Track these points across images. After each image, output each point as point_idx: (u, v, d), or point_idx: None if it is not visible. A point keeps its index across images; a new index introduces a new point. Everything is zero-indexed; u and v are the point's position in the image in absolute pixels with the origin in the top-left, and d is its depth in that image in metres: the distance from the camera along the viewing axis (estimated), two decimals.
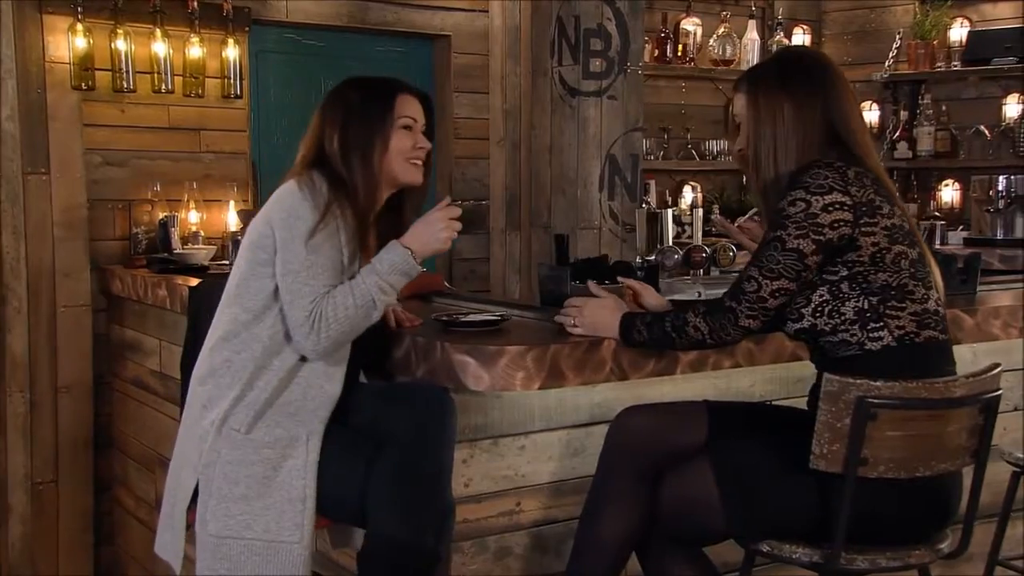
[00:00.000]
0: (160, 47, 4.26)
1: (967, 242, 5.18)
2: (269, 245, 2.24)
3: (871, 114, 6.04)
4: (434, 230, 2.26)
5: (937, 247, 5.56)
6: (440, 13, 5.03)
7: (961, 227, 5.60)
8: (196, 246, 4.30)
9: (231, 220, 4.48)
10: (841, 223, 1.94)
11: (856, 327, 1.95)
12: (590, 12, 4.55)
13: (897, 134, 5.84)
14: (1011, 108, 5.64)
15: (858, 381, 1.80)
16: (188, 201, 4.42)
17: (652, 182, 5.53)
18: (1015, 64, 5.52)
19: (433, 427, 2.17)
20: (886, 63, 5.85)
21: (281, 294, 2.22)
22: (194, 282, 3.48)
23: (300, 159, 2.37)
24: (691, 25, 5.61)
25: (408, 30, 4.98)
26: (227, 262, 4.20)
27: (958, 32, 5.77)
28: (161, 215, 4.27)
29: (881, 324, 1.95)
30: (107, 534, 4.38)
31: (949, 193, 5.82)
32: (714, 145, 5.70)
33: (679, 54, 5.56)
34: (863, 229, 1.94)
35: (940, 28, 5.78)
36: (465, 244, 5.01)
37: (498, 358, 2.12)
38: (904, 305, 1.96)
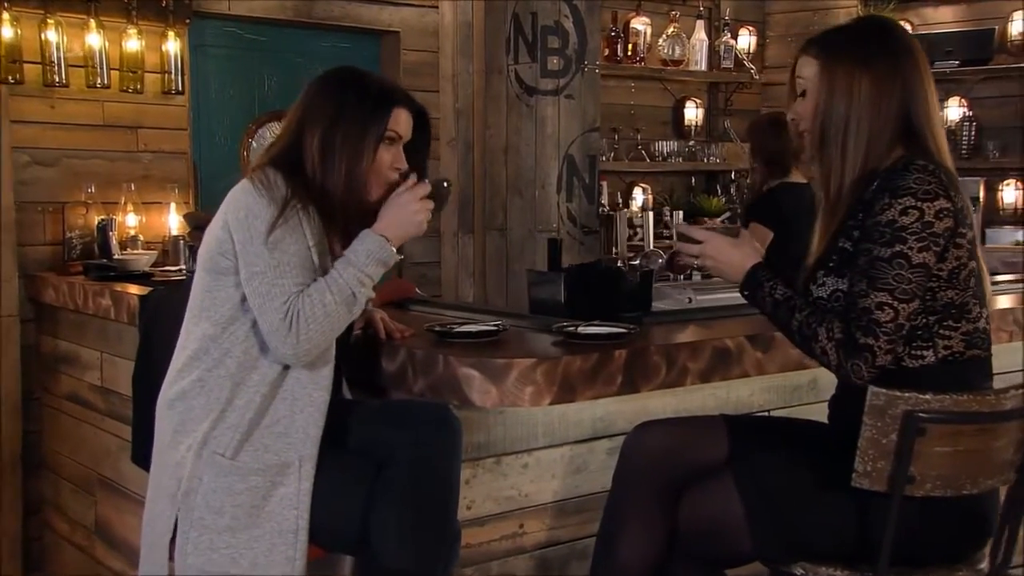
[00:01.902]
0: (95, 39, 3.99)
1: None
2: (229, 251, 2.06)
3: None
4: (407, 212, 2.09)
5: None
6: (388, 8, 4.86)
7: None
8: (135, 251, 4.05)
9: (172, 223, 4.24)
10: (948, 232, 1.82)
11: (900, 344, 1.85)
12: (547, 9, 4.43)
13: None
14: (952, 111, 5.70)
15: (906, 394, 1.71)
16: (125, 203, 4.16)
17: (604, 184, 5.44)
18: (956, 68, 5.58)
19: (439, 448, 2.02)
20: None
21: (250, 300, 2.03)
22: (141, 290, 3.25)
23: (265, 152, 2.18)
24: (641, 24, 5.54)
25: (355, 25, 4.80)
26: (170, 268, 3.97)
27: None
28: (97, 218, 4.01)
29: (929, 344, 1.85)
30: (37, 560, 4.09)
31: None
32: (664, 146, 5.63)
33: (629, 54, 5.48)
34: (956, 240, 1.84)
35: None
36: (415, 247, 4.84)
37: (507, 372, 1.98)
38: (959, 325, 1.86)
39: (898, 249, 1.79)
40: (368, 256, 2.05)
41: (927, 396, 1.71)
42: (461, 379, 2.01)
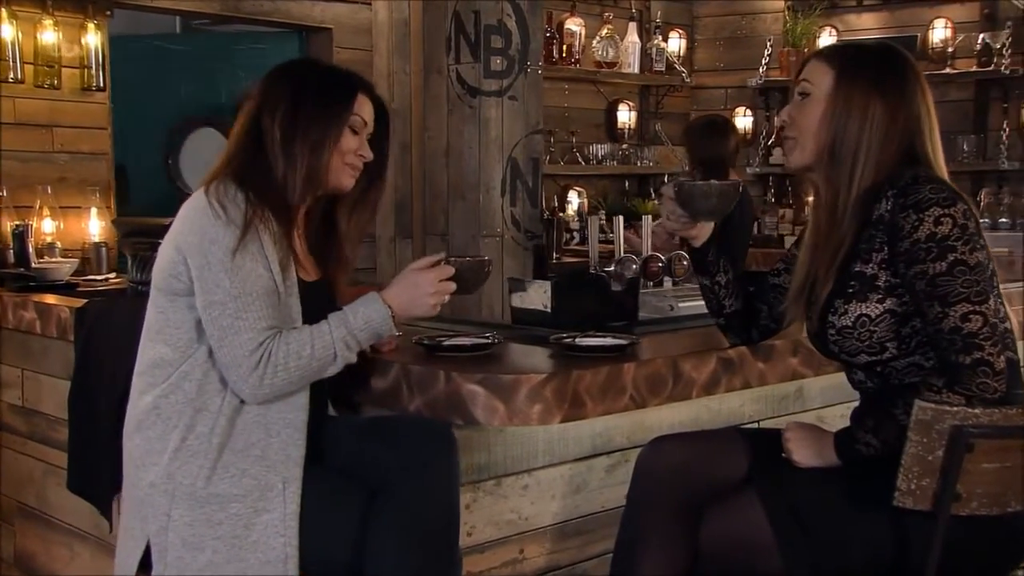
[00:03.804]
0: (6, 30, 3.71)
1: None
2: (182, 273, 1.88)
3: (745, 120, 6.08)
4: (420, 293, 1.94)
5: None
6: (320, 4, 4.66)
7: None
8: (54, 259, 3.76)
9: (93, 229, 3.96)
10: (977, 231, 1.78)
11: (933, 351, 1.79)
12: (490, 8, 4.29)
13: (771, 140, 5.89)
14: None
15: (954, 409, 1.64)
16: (41, 208, 3.87)
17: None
18: None
19: (439, 471, 1.87)
20: (759, 69, 5.89)
21: (207, 329, 1.85)
22: (73, 301, 2.99)
23: (224, 151, 2.00)
24: (575, 26, 5.45)
25: (285, 21, 4.58)
26: (94, 277, 3.70)
27: (827, 40, 5.88)
28: (11, 224, 3.70)
29: None
30: None
31: None
32: (599, 149, 5.56)
33: (564, 55, 5.38)
34: (980, 243, 1.79)
35: (809, 36, 5.88)
36: None
37: (516, 388, 1.84)
38: None
39: (952, 259, 1.74)
40: (367, 323, 1.90)
41: (976, 410, 1.64)
42: (466, 396, 1.87)
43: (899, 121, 1.85)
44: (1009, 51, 5.39)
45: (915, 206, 1.78)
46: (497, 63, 4.34)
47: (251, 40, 4.81)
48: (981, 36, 5.49)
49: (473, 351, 2.05)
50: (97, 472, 2.66)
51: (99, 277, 3.71)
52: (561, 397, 1.87)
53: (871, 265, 1.84)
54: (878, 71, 1.87)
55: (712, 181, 2.03)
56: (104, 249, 3.85)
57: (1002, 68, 5.39)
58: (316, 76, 2.04)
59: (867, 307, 1.84)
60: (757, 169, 5.93)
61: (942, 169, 1.89)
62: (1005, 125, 5.48)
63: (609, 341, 2.10)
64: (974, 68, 5.51)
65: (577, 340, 2.10)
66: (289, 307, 1.90)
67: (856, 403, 2.57)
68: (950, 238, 1.74)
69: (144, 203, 4.21)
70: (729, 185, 2.02)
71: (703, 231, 2.08)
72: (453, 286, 1.95)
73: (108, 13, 3.97)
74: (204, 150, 4.42)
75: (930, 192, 1.78)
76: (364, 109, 2.04)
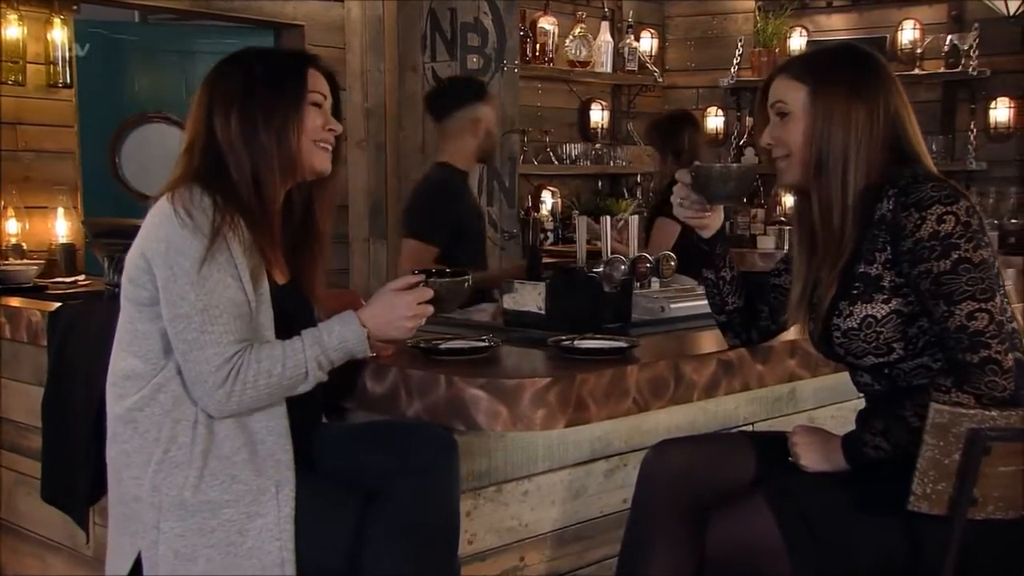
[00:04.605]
0: None
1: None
2: (147, 282, 1.80)
3: (716, 120, 6.09)
4: (397, 316, 1.87)
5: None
6: (292, 2, 4.57)
7: None
8: (20, 261, 3.65)
9: (60, 229, 3.86)
10: (981, 228, 1.76)
11: (940, 351, 1.77)
12: (466, 6, 4.24)
13: (743, 140, 5.89)
14: None
15: (971, 412, 1.62)
16: (5, 208, 3.76)
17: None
18: None
19: (439, 473, 1.81)
20: (731, 69, 5.89)
21: (173, 343, 1.78)
22: (45, 305, 2.90)
23: (180, 157, 1.91)
24: (548, 24, 5.42)
25: (256, 17, 4.49)
26: (62, 279, 3.60)
27: (797, 41, 5.90)
28: None
29: None
30: None
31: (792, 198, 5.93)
32: (572, 149, 5.52)
33: (537, 54, 5.35)
34: (984, 240, 1.77)
35: (780, 37, 5.89)
36: None
37: (519, 393, 1.79)
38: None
39: (956, 256, 1.72)
40: (341, 343, 1.83)
41: (992, 413, 1.62)
42: (468, 401, 1.81)
43: (881, 120, 1.83)
44: (976, 52, 5.44)
45: (917, 204, 1.76)
46: (474, 61, 4.29)
47: (219, 34, 4.70)
48: (949, 37, 5.53)
49: (471, 354, 2.00)
50: (73, 482, 2.57)
51: (68, 279, 3.61)
52: (565, 401, 1.82)
53: (875, 266, 1.82)
54: (851, 75, 1.86)
55: (730, 163, 1.99)
56: (72, 250, 3.75)
57: (970, 69, 5.44)
58: (262, 62, 1.94)
59: (873, 308, 1.81)
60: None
61: (929, 160, 1.88)
62: (972, 126, 5.53)
63: (610, 343, 2.06)
64: (942, 69, 5.55)
65: (576, 342, 2.06)
66: (260, 318, 1.83)
67: (849, 403, 2.57)
68: (953, 236, 1.72)
69: (93, 202, 4.10)
70: (747, 168, 1.99)
71: (715, 219, 2.05)
72: (431, 309, 1.89)
73: (74, 7, 3.87)
74: (151, 147, 4.33)
75: (932, 190, 1.76)
76: (319, 83, 1.95)
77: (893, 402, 1.81)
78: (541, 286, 2.39)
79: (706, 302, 2.21)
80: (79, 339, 2.64)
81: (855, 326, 1.83)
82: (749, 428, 2.49)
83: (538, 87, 5.50)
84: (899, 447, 1.76)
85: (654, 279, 2.93)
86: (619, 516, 2.24)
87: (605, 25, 5.67)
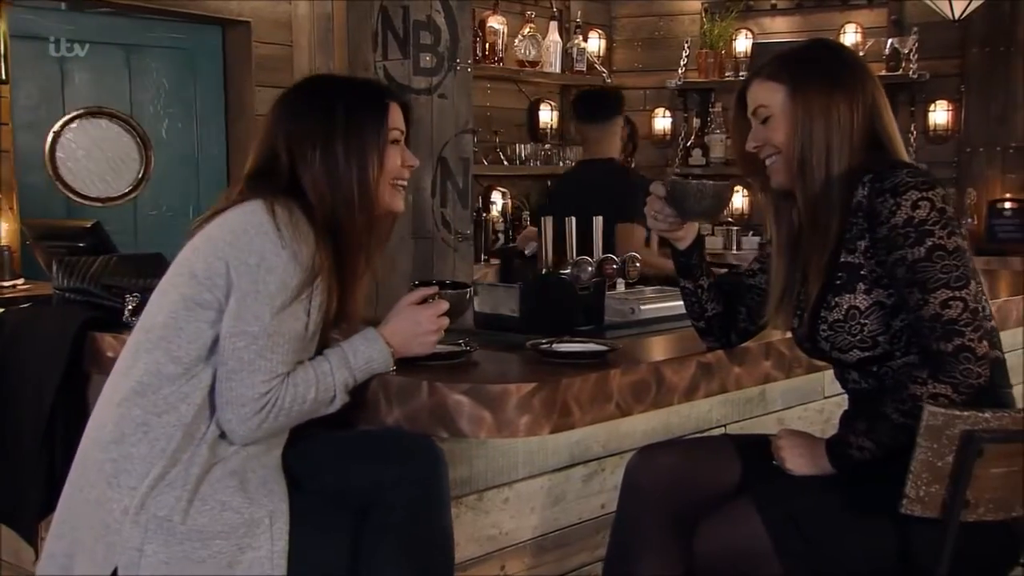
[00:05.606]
0: None
1: (762, 247, 5.32)
2: (221, 286, 1.72)
3: (664, 121, 6.10)
4: (420, 331, 1.87)
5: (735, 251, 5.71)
6: None
7: (752, 232, 5.78)
8: None
9: None
10: (955, 217, 1.77)
11: (915, 339, 1.77)
12: (418, 4, 4.16)
13: (690, 141, 5.92)
14: None
15: (965, 413, 1.61)
16: None
17: None
18: None
19: (432, 488, 1.76)
20: (678, 71, 5.91)
21: (223, 356, 1.71)
22: None
23: (255, 164, 1.87)
24: (498, 24, 5.37)
25: (202, 13, 4.37)
26: (1, 284, 3.45)
27: (743, 43, 5.95)
28: None
29: None
30: None
31: (739, 199, 5.98)
32: (521, 149, 5.48)
33: (486, 53, 5.29)
34: (958, 228, 1.77)
35: (726, 39, 5.93)
36: None
37: (504, 398, 1.75)
38: None
39: (930, 244, 1.72)
40: (367, 363, 1.82)
41: (986, 414, 1.62)
42: (451, 407, 1.77)
43: (860, 110, 1.84)
44: (916, 56, 5.54)
45: (892, 190, 1.76)
46: (427, 60, 4.21)
47: (164, 28, 4.54)
48: (889, 41, 5.63)
49: (450, 359, 1.95)
50: (20, 495, 2.46)
51: (6, 283, 3.47)
52: (550, 407, 1.79)
53: (856, 255, 1.82)
54: (828, 68, 1.86)
55: (706, 181, 1.97)
56: (7, 253, 3.60)
57: (910, 72, 5.54)
58: (343, 98, 1.89)
59: (855, 299, 1.81)
60: (677, 170, 5.96)
61: (903, 148, 1.89)
62: (913, 128, 5.63)
63: (591, 347, 2.03)
64: (883, 72, 5.62)
65: (555, 346, 2.02)
66: (308, 347, 1.80)
67: (815, 403, 2.58)
68: (928, 222, 1.73)
69: (29, 203, 3.95)
70: (723, 187, 1.97)
71: (690, 232, 2.03)
72: (447, 321, 1.90)
73: (9, 1, 3.71)
74: (87, 143, 4.20)
75: (907, 176, 1.77)
76: (397, 119, 1.93)
77: (875, 400, 1.80)
78: (515, 289, 2.34)
79: (676, 303, 2.19)
80: (26, 345, 2.52)
81: (840, 318, 1.82)
82: (723, 430, 2.47)
83: (487, 87, 5.45)
84: (882, 445, 1.76)
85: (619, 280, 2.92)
86: (597, 522, 2.21)
87: (554, 25, 5.64)
